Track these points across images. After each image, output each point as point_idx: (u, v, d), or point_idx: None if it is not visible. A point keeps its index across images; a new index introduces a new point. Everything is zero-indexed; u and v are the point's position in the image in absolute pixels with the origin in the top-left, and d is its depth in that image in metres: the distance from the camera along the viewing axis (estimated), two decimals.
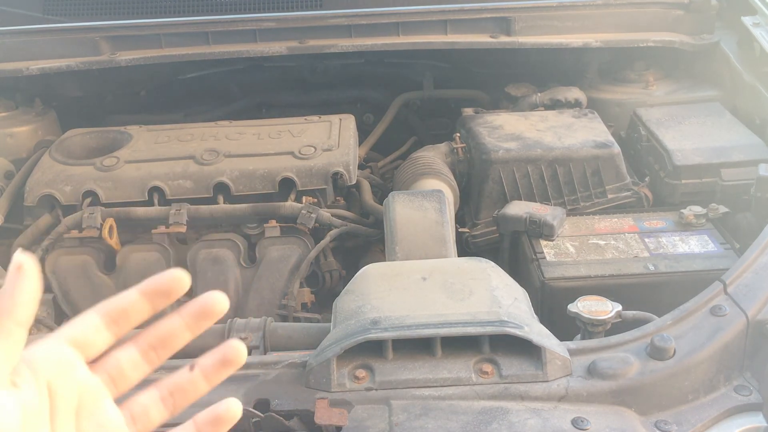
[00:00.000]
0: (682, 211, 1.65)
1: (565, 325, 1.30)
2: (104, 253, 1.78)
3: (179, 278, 0.58)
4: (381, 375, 1.11)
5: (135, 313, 0.58)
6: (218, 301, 0.59)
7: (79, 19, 2.17)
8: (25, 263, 0.53)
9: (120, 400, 0.58)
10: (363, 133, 2.20)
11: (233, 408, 0.59)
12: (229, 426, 0.59)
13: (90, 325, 0.57)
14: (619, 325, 1.26)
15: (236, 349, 0.60)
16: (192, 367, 0.60)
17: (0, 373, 0.51)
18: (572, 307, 1.28)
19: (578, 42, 2.14)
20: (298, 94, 2.52)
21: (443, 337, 1.12)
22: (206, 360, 0.60)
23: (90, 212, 1.73)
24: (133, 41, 2.15)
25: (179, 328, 0.59)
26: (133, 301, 0.58)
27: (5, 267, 1.71)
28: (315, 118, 2.04)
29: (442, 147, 2.00)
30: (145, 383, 0.60)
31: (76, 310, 1.73)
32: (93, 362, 0.57)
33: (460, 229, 1.83)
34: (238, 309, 1.73)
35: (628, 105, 2.12)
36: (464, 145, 1.97)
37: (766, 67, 1.97)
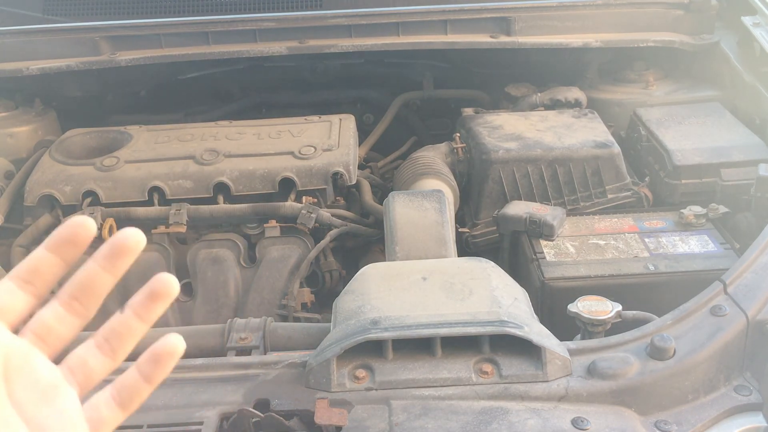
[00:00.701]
0: (682, 211, 1.65)
1: (565, 325, 1.30)
2: None
3: (81, 223, 0.56)
4: (381, 375, 1.11)
5: (46, 268, 0.56)
6: (131, 237, 0.57)
7: (79, 19, 2.17)
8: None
9: (57, 358, 0.57)
10: (363, 133, 2.20)
11: (174, 342, 0.57)
12: (173, 363, 0.57)
13: (2, 291, 0.55)
14: (619, 325, 1.26)
15: (164, 281, 0.57)
16: (123, 309, 0.58)
17: None
18: (572, 307, 1.28)
19: (578, 42, 2.14)
20: (298, 94, 2.52)
21: (443, 337, 1.12)
22: (135, 298, 0.58)
23: (90, 212, 1.73)
24: (133, 41, 2.15)
25: (96, 272, 0.57)
26: (39, 257, 0.56)
27: (5, 267, 1.71)
28: (315, 118, 2.04)
29: (442, 147, 2.00)
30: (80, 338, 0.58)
31: None
32: (19, 327, 0.56)
33: (460, 229, 1.83)
34: (238, 309, 1.73)
35: (628, 105, 2.12)
36: (464, 145, 1.97)
37: (766, 67, 1.97)
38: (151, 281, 0.58)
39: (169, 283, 0.57)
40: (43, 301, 0.57)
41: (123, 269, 0.57)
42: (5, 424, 0.51)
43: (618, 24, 2.17)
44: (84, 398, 0.57)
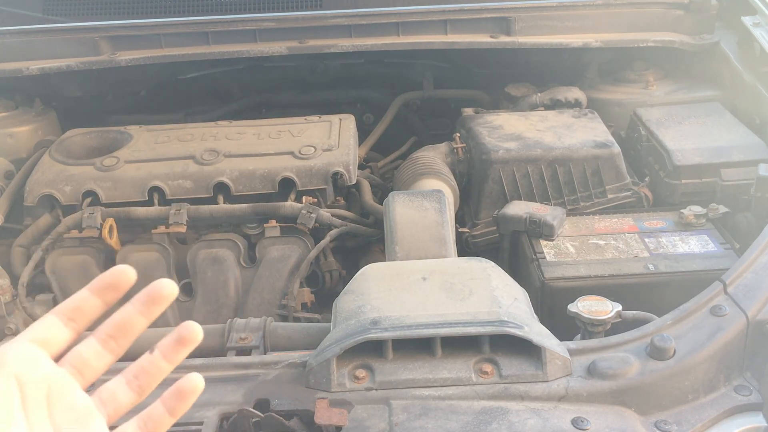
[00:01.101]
0: (682, 211, 1.65)
1: (565, 325, 1.30)
2: (104, 253, 1.78)
3: (124, 272, 0.64)
4: (381, 375, 1.11)
5: (88, 308, 0.63)
6: (165, 288, 0.64)
7: (79, 19, 2.17)
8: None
9: (90, 389, 0.63)
10: (363, 133, 2.20)
11: (195, 382, 0.65)
12: (193, 399, 0.65)
13: (49, 325, 0.62)
14: (619, 325, 1.26)
15: (191, 329, 0.65)
16: (152, 350, 0.65)
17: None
18: (572, 307, 1.28)
19: (578, 42, 2.14)
20: (298, 94, 2.52)
21: (443, 337, 1.12)
22: (164, 341, 0.65)
23: (90, 212, 1.73)
24: (133, 41, 2.15)
25: (133, 316, 0.64)
26: (84, 298, 0.64)
27: (5, 267, 1.71)
28: (315, 118, 2.04)
29: (442, 147, 2.00)
30: (113, 371, 0.66)
31: None
32: (59, 358, 0.63)
33: (460, 229, 1.83)
34: (238, 309, 1.73)
35: (628, 105, 2.12)
36: (464, 145, 1.97)
37: (766, 67, 1.97)
38: (180, 327, 0.65)
39: (194, 331, 0.65)
40: (81, 337, 0.64)
41: (156, 315, 0.65)
42: None
43: (618, 24, 2.17)
44: (111, 427, 0.64)
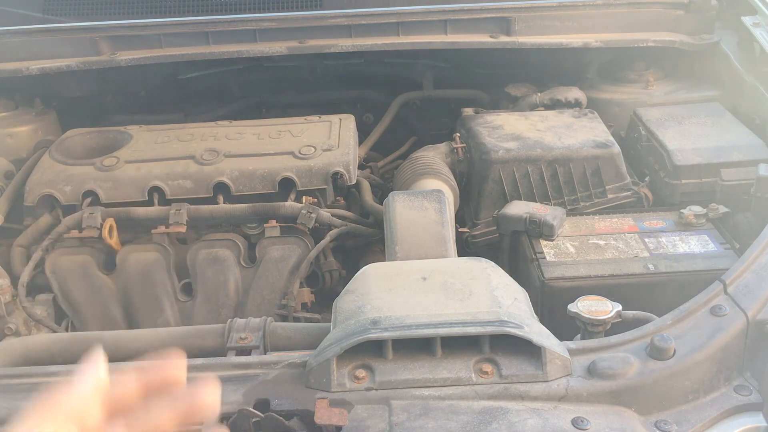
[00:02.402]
0: (682, 211, 1.65)
1: (565, 325, 1.30)
2: (104, 253, 1.78)
3: (176, 372, 0.63)
4: (381, 375, 1.11)
5: (129, 399, 0.62)
6: (209, 404, 0.62)
7: (79, 19, 2.17)
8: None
9: None
10: (363, 133, 2.20)
11: None
12: None
13: (87, 402, 0.60)
14: (619, 325, 1.26)
15: None
16: None
17: None
18: (572, 307, 1.28)
19: (578, 42, 2.14)
20: (298, 94, 2.52)
21: (443, 337, 1.12)
22: None
23: (90, 212, 1.73)
24: (133, 41, 2.15)
25: (166, 420, 0.61)
26: (128, 389, 0.62)
27: (5, 267, 1.71)
28: (315, 118, 2.04)
29: (442, 147, 2.00)
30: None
31: (76, 310, 1.73)
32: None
33: (460, 229, 1.83)
34: (238, 309, 1.73)
35: (628, 105, 2.12)
36: (464, 145, 1.97)
37: (766, 67, 1.97)
38: None
39: None
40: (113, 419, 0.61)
41: (192, 425, 0.62)
42: None
43: (618, 24, 2.17)
44: None
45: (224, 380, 1.15)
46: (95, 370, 0.62)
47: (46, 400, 0.60)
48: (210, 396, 0.62)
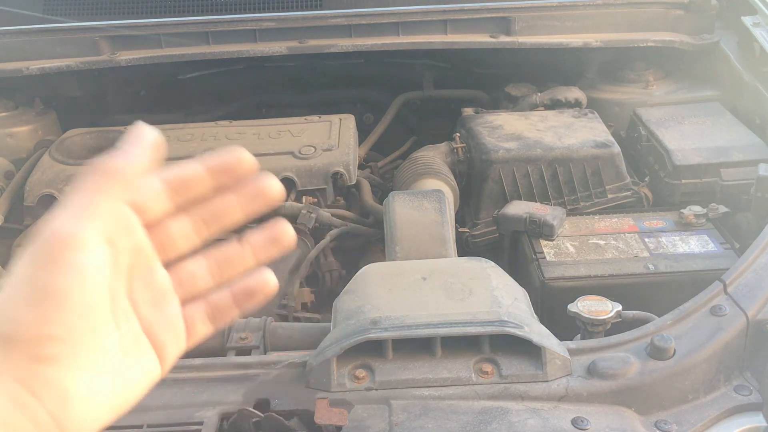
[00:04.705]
0: (682, 211, 1.65)
1: (565, 325, 1.30)
2: None
3: (245, 158, 0.60)
4: (381, 375, 1.11)
5: (197, 185, 0.59)
6: (273, 186, 0.61)
7: (79, 19, 2.17)
8: (149, 135, 0.57)
9: (169, 265, 0.60)
10: (363, 133, 2.20)
11: (270, 281, 0.63)
12: (264, 299, 0.62)
13: (151, 191, 0.58)
14: (619, 325, 1.26)
15: (285, 231, 0.62)
16: (241, 242, 0.62)
17: (100, 232, 0.53)
18: (572, 307, 1.28)
19: (578, 42, 2.14)
20: (298, 94, 2.52)
21: (443, 337, 1.12)
22: (256, 236, 0.62)
23: None
24: (133, 41, 2.14)
25: (233, 206, 0.60)
26: (196, 172, 0.59)
27: (5, 267, 1.71)
28: (315, 118, 2.04)
29: (442, 147, 2.00)
30: (194, 253, 0.62)
31: None
32: (150, 228, 0.58)
33: (460, 229, 1.83)
34: None
35: (628, 105, 2.12)
36: (464, 145, 1.97)
37: (766, 67, 1.97)
38: (274, 227, 0.62)
39: (289, 234, 0.62)
40: (176, 213, 0.59)
41: (257, 211, 0.61)
42: (125, 316, 0.56)
43: (618, 24, 2.17)
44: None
45: (224, 380, 1.15)
46: (148, 137, 0.58)
47: (96, 180, 0.55)
48: (275, 182, 0.60)
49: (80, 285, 0.51)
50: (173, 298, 0.59)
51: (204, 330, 0.61)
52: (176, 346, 0.59)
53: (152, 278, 0.58)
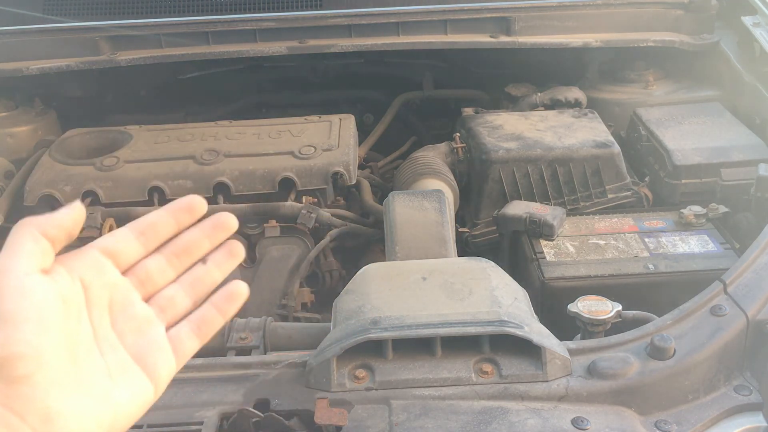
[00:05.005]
0: (682, 211, 1.65)
1: (565, 325, 1.30)
2: None
3: (198, 199, 0.68)
4: (381, 375, 1.11)
5: (162, 226, 0.67)
6: (229, 220, 0.69)
7: (79, 19, 2.17)
8: (77, 208, 0.63)
9: (151, 297, 0.67)
10: (363, 133, 2.20)
11: (242, 286, 0.70)
12: (242, 301, 0.70)
13: (120, 237, 0.65)
14: (619, 325, 1.26)
15: (238, 246, 0.70)
16: (205, 261, 0.69)
17: (31, 262, 0.58)
18: (572, 307, 1.28)
19: (578, 42, 2.14)
20: (298, 94, 2.52)
21: (443, 337, 1.12)
22: (215, 254, 0.69)
23: (90, 212, 1.73)
24: (133, 41, 2.14)
25: (199, 239, 0.68)
26: (159, 216, 0.67)
27: None
28: (315, 118, 2.04)
29: (442, 147, 2.00)
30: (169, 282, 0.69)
31: None
32: (126, 270, 0.65)
33: (460, 229, 1.83)
34: None
35: (628, 105, 2.12)
36: (464, 145, 1.97)
37: (766, 67, 1.97)
38: (228, 244, 0.70)
39: (242, 249, 0.70)
40: (148, 253, 0.67)
41: (221, 240, 0.69)
42: (110, 345, 0.62)
43: (618, 24, 2.17)
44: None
45: (224, 380, 1.15)
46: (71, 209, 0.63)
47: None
48: (229, 215, 0.69)
49: (29, 305, 0.56)
50: (158, 324, 0.65)
51: (192, 345, 0.68)
52: (167, 367, 0.65)
53: (133, 310, 0.64)
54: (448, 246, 1.53)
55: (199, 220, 0.69)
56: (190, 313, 0.68)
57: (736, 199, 1.71)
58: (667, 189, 1.80)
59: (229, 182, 1.78)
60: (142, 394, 0.62)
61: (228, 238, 0.70)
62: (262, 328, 1.40)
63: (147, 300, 0.66)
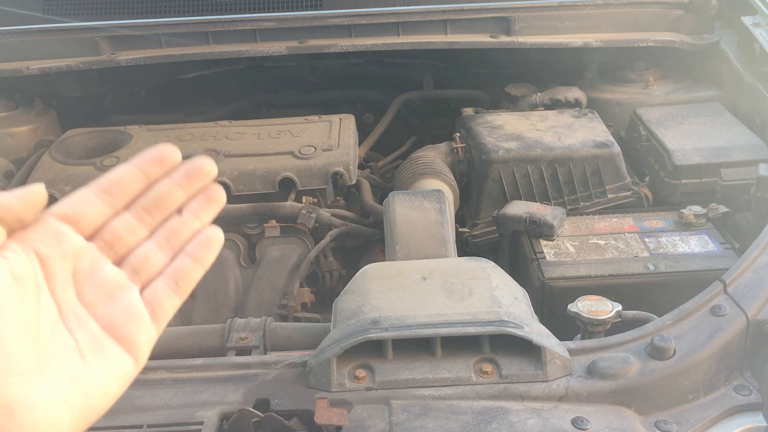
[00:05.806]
0: (682, 211, 1.65)
1: (565, 325, 1.30)
2: None
3: (170, 148, 0.61)
4: (381, 375, 1.11)
5: (129, 180, 0.60)
6: (206, 164, 0.62)
7: (79, 19, 2.17)
8: (35, 191, 0.56)
9: (122, 260, 0.60)
10: (363, 133, 2.20)
11: (217, 232, 0.63)
12: (219, 248, 0.64)
13: (79, 199, 0.59)
14: (619, 325, 1.26)
15: (217, 189, 0.63)
16: (180, 212, 0.62)
17: (31, 245, 0.54)
18: (572, 307, 1.28)
19: (578, 42, 2.14)
20: (298, 94, 2.52)
21: (443, 337, 1.12)
22: (193, 202, 0.63)
23: None
24: (133, 41, 2.15)
25: (172, 189, 0.61)
26: (124, 169, 0.60)
27: None
28: (315, 118, 2.04)
29: (442, 147, 2.00)
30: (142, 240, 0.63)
31: None
32: (93, 233, 0.59)
33: (460, 229, 1.83)
34: (238, 309, 1.73)
35: (628, 105, 2.12)
36: (464, 145, 1.97)
37: (766, 67, 1.97)
38: (206, 189, 0.63)
39: (222, 193, 0.63)
40: (115, 213, 0.60)
41: (195, 189, 0.62)
42: (77, 320, 0.56)
43: (618, 24, 2.17)
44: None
45: (224, 380, 1.15)
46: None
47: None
48: (206, 159, 0.62)
49: None
50: (130, 288, 0.59)
51: (172, 303, 0.61)
52: (145, 334, 0.59)
53: (102, 276, 0.58)
54: (448, 246, 1.53)
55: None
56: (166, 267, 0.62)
57: (736, 199, 1.71)
58: (667, 189, 1.80)
59: (229, 182, 1.78)
60: (119, 369, 0.57)
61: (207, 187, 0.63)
62: (262, 328, 1.40)
63: (119, 264, 0.60)
